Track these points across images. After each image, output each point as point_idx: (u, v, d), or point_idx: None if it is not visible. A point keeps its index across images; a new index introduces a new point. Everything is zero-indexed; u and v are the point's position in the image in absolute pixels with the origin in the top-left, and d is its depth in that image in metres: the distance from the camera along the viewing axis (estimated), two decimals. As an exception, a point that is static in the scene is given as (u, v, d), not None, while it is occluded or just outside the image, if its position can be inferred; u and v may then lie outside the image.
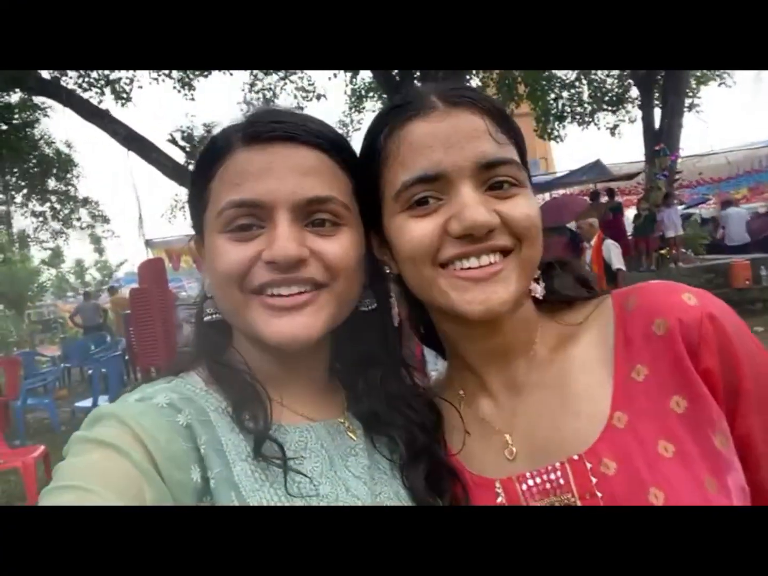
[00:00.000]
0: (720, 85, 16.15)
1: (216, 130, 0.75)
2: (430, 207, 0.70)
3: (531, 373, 0.77)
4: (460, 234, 0.68)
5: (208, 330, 0.77)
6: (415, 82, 11.33)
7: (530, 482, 0.72)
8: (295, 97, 13.05)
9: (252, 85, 13.03)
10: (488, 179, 0.69)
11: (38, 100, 11.99)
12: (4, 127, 11.73)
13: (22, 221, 15.47)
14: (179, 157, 12.72)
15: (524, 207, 0.70)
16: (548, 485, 0.70)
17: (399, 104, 0.74)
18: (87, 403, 7.07)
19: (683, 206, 16.62)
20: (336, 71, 14.25)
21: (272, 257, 0.67)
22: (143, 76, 12.05)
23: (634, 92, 15.27)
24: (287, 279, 0.68)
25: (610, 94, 15.89)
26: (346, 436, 0.78)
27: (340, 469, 0.73)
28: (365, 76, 15.13)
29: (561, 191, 13.96)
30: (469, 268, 0.70)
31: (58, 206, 14.43)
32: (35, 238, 16.20)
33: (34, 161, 12.93)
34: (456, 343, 0.82)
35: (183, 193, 15.26)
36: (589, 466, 0.68)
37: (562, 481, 0.70)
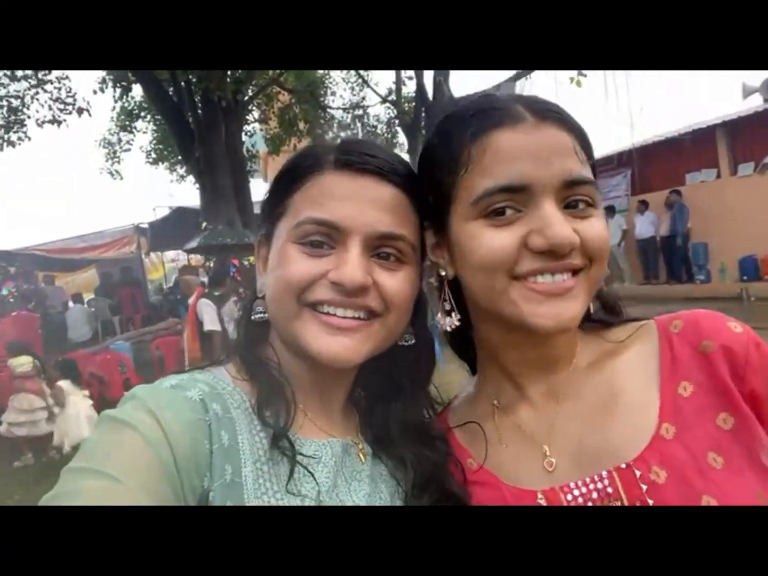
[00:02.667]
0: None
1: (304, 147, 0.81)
2: (508, 218, 0.70)
3: (571, 384, 0.79)
4: (542, 249, 0.68)
5: (252, 327, 0.80)
6: (197, 105, 10.90)
7: (575, 492, 0.71)
8: (50, 108, 11.47)
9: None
10: (568, 197, 0.70)
11: None
12: None
13: None
14: None
15: (599, 228, 0.71)
16: (595, 494, 0.70)
17: (482, 109, 0.73)
18: None
19: None
20: (103, 85, 12.99)
21: (340, 279, 0.70)
22: None
23: (402, 138, 16.98)
24: (345, 302, 0.72)
25: (381, 138, 17.39)
26: (356, 458, 0.80)
27: (343, 492, 0.75)
28: (137, 93, 14.06)
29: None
30: (544, 283, 0.70)
31: None
32: None
33: None
34: (497, 351, 0.82)
35: None
36: (638, 473, 0.68)
37: (610, 489, 0.69)
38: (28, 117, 11.40)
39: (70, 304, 12.32)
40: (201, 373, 0.74)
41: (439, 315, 0.81)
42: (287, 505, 0.67)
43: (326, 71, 14.55)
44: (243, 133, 13.62)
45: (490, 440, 0.81)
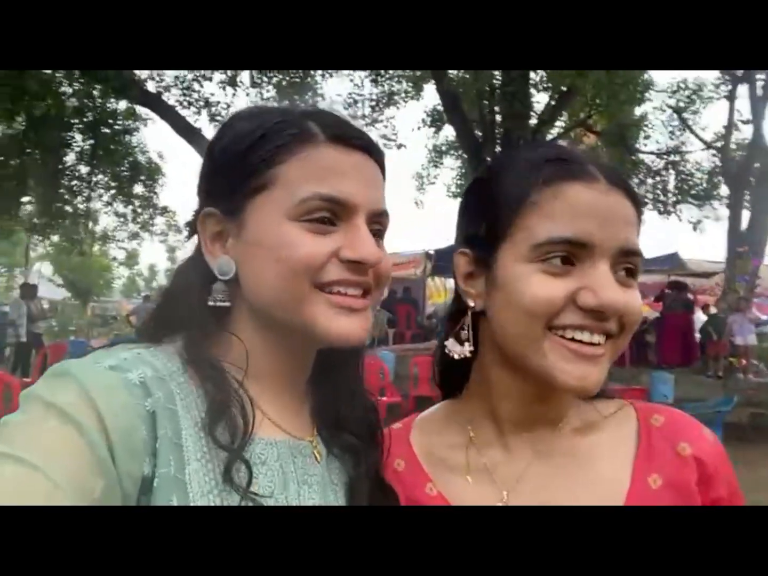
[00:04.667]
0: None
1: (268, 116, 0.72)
2: (562, 269, 0.70)
3: (552, 444, 0.79)
4: (591, 308, 0.69)
5: (206, 315, 0.71)
6: (497, 145, 11.37)
7: None
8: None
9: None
10: (619, 265, 0.71)
11: (141, 110, 12.85)
12: (106, 131, 12.61)
13: (105, 219, 16.43)
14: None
15: (638, 299, 0.73)
16: None
17: (558, 158, 0.74)
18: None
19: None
20: (420, 126, 14.54)
21: (360, 257, 0.68)
22: (240, 103, 12.73)
23: (724, 190, 14.70)
24: (358, 281, 0.70)
25: (697, 188, 15.36)
26: (309, 460, 0.75)
27: (292, 496, 0.70)
28: (448, 133, 15.37)
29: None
30: (580, 342, 0.70)
31: (139, 210, 15.23)
32: (113, 237, 17.11)
33: (126, 166, 13.79)
34: (496, 394, 0.80)
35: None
36: None
37: None
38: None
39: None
40: (148, 351, 0.67)
41: (451, 341, 0.80)
42: (233, 504, 0.62)
43: (643, 113, 13.56)
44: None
45: (458, 471, 0.80)
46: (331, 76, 11.35)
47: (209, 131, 12.07)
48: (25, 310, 10.97)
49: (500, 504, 0.76)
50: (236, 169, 0.71)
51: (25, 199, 13.43)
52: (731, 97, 13.55)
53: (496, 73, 11.56)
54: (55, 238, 15.37)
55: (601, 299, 0.68)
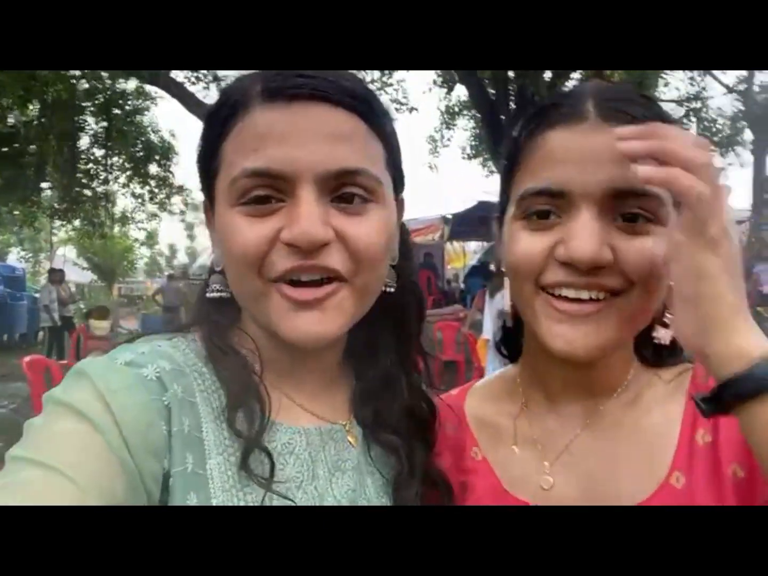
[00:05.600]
0: None
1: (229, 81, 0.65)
2: (548, 223, 0.67)
3: (604, 414, 0.75)
4: (563, 261, 0.65)
5: (212, 307, 0.69)
6: (511, 101, 11.12)
7: None
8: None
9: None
10: (616, 210, 0.64)
11: (150, 89, 12.81)
12: (118, 112, 12.63)
13: (122, 201, 16.59)
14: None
15: (653, 249, 0.62)
16: None
17: (546, 106, 0.70)
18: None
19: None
20: (431, 87, 14.25)
21: (293, 239, 0.58)
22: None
23: (748, 135, 14.24)
24: (307, 267, 0.60)
25: (720, 134, 14.90)
26: (342, 444, 0.71)
27: (322, 485, 0.66)
28: (460, 93, 15.04)
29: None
30: (566, 299, 0.65)
31: (156, 190, 15.33)
32: (132, 218, 17.29)
33: (140, 146, 13.83)
34: (540, 361, 0.77)
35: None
36: None
37: None
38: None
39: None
40: (170, 342, 0.65)
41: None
42: (255, 503, 0.60)
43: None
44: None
45: (506, 440, 0.79)
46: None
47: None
48: (56, 294, 11.26)
49: (544, 476, 0.74)
50: (202, 151, 0.66)
51: (44, 185, 13.59)
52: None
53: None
54: (77, 222, 15.57)
55: (568, 251, 0.63)
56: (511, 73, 11.02)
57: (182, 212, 17.54)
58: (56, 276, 11.96)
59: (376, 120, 0.64)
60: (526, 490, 0.74)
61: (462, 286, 14.19)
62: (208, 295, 0.69)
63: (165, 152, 14.56)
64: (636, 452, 0.72)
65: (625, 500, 0.69)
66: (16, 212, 15.19)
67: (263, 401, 0.63)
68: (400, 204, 0.73)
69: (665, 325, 0.71)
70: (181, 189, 15.49)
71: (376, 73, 12.80)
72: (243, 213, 0.60)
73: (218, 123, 0.62)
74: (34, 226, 16.31)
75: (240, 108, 0.60)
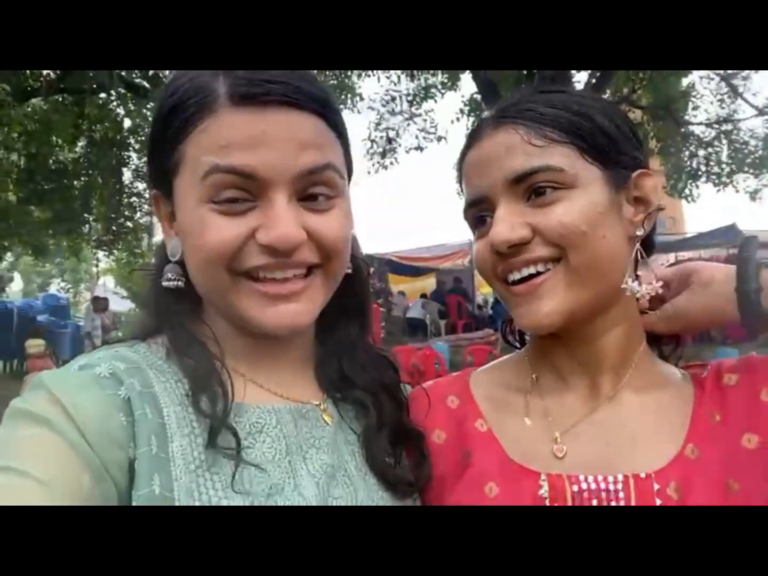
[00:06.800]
0: None
1: (181, 81, 0.64)
2: (486, 226, 0.75)
3: (620, 392, 0.77)
4: (497, 251, 0.72)
5: (169, 297, 0.70)
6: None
7: (584, 485, 0.71)
8: (416, 137, 13.48)
9: (378, 124, 13.66)
10: (526, 189, 0.71)
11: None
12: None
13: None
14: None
15: (563, 214, 0.69)
16: (604, 494, 0.70)
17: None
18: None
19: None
20: (459, 116, 14.53)
21: (271, 241, 0.61)
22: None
23: (782, 155, 14.03)
24: (282, 264, 0.63)
25: (752, 156, 14.71)
26: (317, 423, 0.72)
27: (296, 460, 0.67)
28: (488, 121, 15.25)
29: (689, 254, 13.05)
30: (514, 282, 0.73)
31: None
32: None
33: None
34: (545, 343, 0.81)
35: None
36: (657, 486, 0.69)
37: (622, 494, 0.69)
38: (399, 145, 13.63)
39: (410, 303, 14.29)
40: (129, 347, 0.67)
41: None
42: (221, 483, 0.60)
43: (690, 83, 13.11)
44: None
45: (516, 412, 0.80)
46: (369, 76, 11.53)
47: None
48: (99, 322, 11.68)
49: (556, 445, 0.75)
50: (159, 145, 0.66)
51: (89, 217, 14.23)
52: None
53: (534, 57, 11.44)
54: (119, 253, 16.19)
55: (491, 241, 0.72)
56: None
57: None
58: (100, 304, 12.40)
59: (334, 118, 0.67)
60: (536, 459, 0.75)
61: (491, 311, 14.20)
62: (164, 284, 0.70)
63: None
64: (651, 425, 0.74)
65: (641, 468, 0.70)
66: (63, 243, 15.91)
67: (225, 383, 0.64)
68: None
69: (638, 278, 0.76)
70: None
71: (405, 104, 13.16)
72: (215, 210, 0.61)
73: (178, 122, 0.63)
74: (79, 256, 17.00)
75: (204, 108, 0.61)
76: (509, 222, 0.70)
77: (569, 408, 0.78)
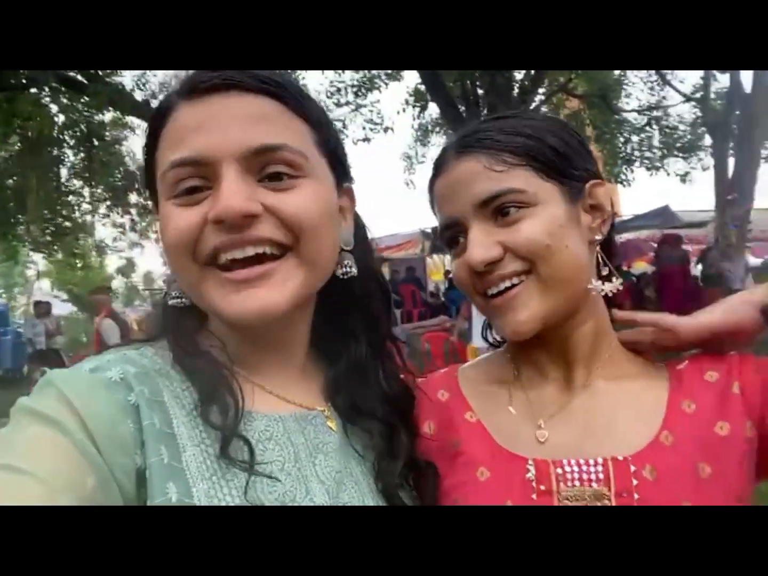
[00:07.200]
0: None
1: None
2: (460, 246, 0.82)
3: (595, 377, 0.83)
4: (473, 270, 0.78)
5: (175, 313, 0.71)
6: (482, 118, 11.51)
7: (567, 468, 0.77)
8: (363, 128, 13.52)
9: (324, 115, 13.56)
10: (493, 211, 0.77)
11: (128, 119, 12.99)
12: (97, 143, 12.76)
13: (104, 231, 16.60)
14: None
15: (528, 231, 0.76)
16: (585, 475, 0.76)
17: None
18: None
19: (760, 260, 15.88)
20: (404, 107, 14.64)
21: (216, 214, 0.60)
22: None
23: (708, 140, 14.90)
24: (237, 240, 0.62)
25: (682, 141, 15.53)
26: (322, 429, 0.72)
27: (306, 467, 0.68)
28: (433, 112, 15.48)
29: (626, 235, 13.69)
30: (493, 296, 0.79)
31: (137, 219, 15.36)
32: (113, 247, 17.27)
33: (119, 176, 13.92)
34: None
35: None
36: (633, 468, 0.75)
37: (601, 476, 0.75)
38: (347, 136, 13.63)
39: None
40: (137, 351, 0.67)
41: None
42: (237, 489, 0.61)
43: (623, 72, 13.70)
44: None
45: (500, 403, 0.86)
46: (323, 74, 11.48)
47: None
48: (42, 328, 11.22)
49: (539, 430, 0.80)
50: (145, 165, 0.70)
51: (24, 218, 13.59)
52: (707, 48, 13.73)
53: (475, 47, 11.66)
54: (57, 254, 15.53)
55: (468, 262, 0.77)
56: (480, 91, 11.46)
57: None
58: (42, 309, 11.91)
59: (295, 102, 0.66)
60: (521, 444, 0.80)
61: (443, 299, 14.49)
62: (169, 302, 0.71)
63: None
64: (628, 412, 0.80)
65: (618, 452, 0.76)
66: (-4, 247, 15.14)
67: (235, 393, 0.64)
68: (348, 193, 0.77)
69: (607, 278, 0.83)
70: (162, 216, 15.49)
71: (351, 96, 13.16)
72: (176, 204, 0.63)
73: (151, 131, 0.67)
74: (16, 259, 16.19)
75: (166, 112, 0.65)
76: (482, 243, 0.76)
77: (548, 398, 0.84)
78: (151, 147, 0.67)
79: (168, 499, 0.56)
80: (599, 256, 0.83)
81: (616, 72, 13.36)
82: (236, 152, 0.61)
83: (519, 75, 12.59)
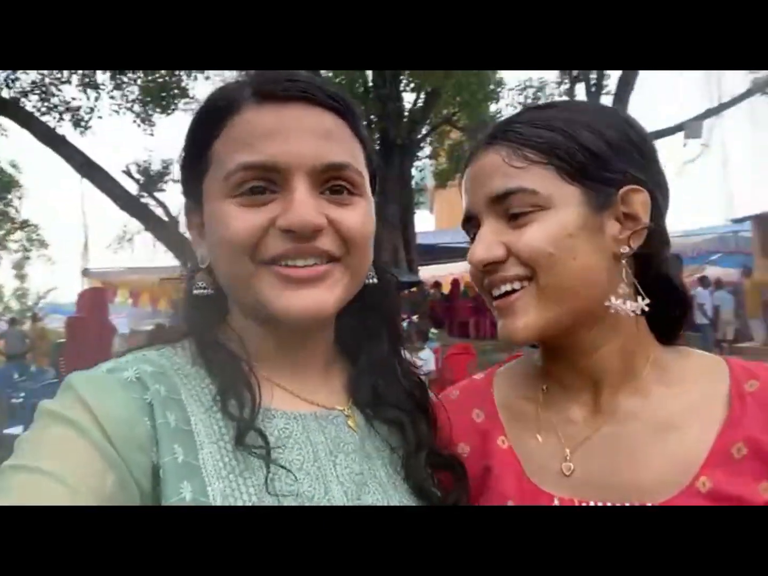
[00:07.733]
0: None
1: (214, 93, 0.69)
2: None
3: (625, 404, 0.75)
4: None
5: (198, 304, 0.72)
6: (376, 144, 11.96)
7: None
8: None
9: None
10: (504, 211, 0.72)
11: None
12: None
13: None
14: (133, 189, 12.68)
15: (530, 237, 0.70)
16: None
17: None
18: (17, 429, 6.71)
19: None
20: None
21: (289, 224, 0.62)
22: (104, 106, 12.14)
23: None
24: (303, 249, 0.64)
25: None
26: (343, 428, 0.72)
27: (325, 466, 0.68)
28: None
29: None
30: (496, 297, 0.75)
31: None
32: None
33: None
34: (546, 353, 0.82)
35: (132, 224, 15.05)
36: None
37: None
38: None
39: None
40: (157, 351, 0.68)
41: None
42: (255, 488, 0.61)
43: (498, 109, 14.96)
44: (413, 168, 14.59)
45: (530, 427, 0.79)
46: (207, 78, 11.14)
47: (74, 137, 11.33)
48: None
49: (564, 463, 0.74)
50: (188, 155, 0.70)
51: None
52: (570, 94, 15.42)
53: (368, 74, 12.17)
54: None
55: (470, 260, 0.73)
56: (373, 117, 11.91)
57: (26, 249, 15.83)
58: None
59: (356, 122, 0.70)
60: (548, 478, 0.74)
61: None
62: (194, 291, 0.71)
63: (5, 185, 13.27)
64: (663, 449, 0.70)
65: (649, 497, 0.68)
66: None
67: (253, 388, 0.65)
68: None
69: (640, 296, 0.73)
70: (25, 223, 14.15)
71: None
72: (238, 203, 0.64)
73: (209, 126, 0.67)
74: None
75: (231, 110, 0.65)
76: (486, 242, 0.72)
77: (578, 425, 0.77)
78: (208, 141, 0.67)
79: (182, 498, 0.57)
80: (625, 270, 0.73)
81: (493, 108, 14.56)
82: (308, 165, 0.64)
83: (407, 105, 13.31)
